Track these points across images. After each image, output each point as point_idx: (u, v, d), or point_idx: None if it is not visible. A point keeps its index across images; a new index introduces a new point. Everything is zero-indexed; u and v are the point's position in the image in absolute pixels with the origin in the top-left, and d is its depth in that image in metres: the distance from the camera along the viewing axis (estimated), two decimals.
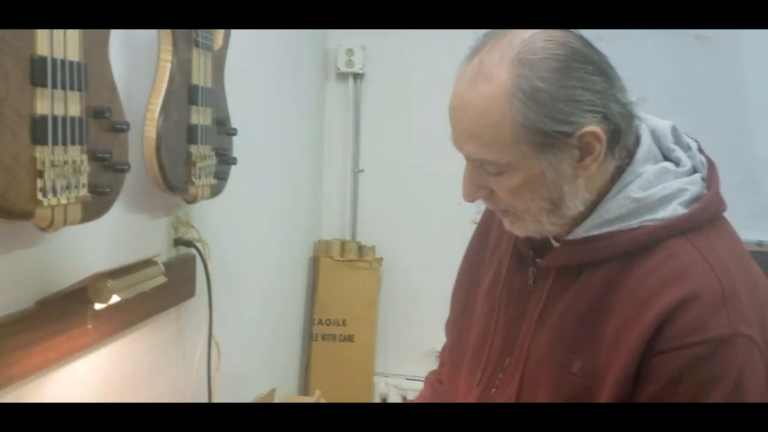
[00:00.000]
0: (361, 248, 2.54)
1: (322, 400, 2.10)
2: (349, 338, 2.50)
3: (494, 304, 1.02)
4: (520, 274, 0.98)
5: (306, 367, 2.51)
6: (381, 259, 2.54)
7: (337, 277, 2.50)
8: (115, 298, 1.10)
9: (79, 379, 1.21)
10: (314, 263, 2.53)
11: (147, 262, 1.20)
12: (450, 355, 1.13)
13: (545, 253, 0.93)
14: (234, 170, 1.51)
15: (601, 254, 0.86)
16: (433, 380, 1.28)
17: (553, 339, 0.90)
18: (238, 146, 1.51)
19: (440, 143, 2.49)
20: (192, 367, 1.56)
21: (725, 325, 0.79)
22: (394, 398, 2.55)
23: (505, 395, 0.96)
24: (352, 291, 2.50)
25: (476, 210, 2.49)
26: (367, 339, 2.51)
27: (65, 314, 1.10)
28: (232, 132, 1.47)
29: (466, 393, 1.03)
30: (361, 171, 2.59)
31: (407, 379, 2.55)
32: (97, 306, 1.12)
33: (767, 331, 0.84)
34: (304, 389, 2.47)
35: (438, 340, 1.33)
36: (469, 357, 1.06)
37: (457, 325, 1.13)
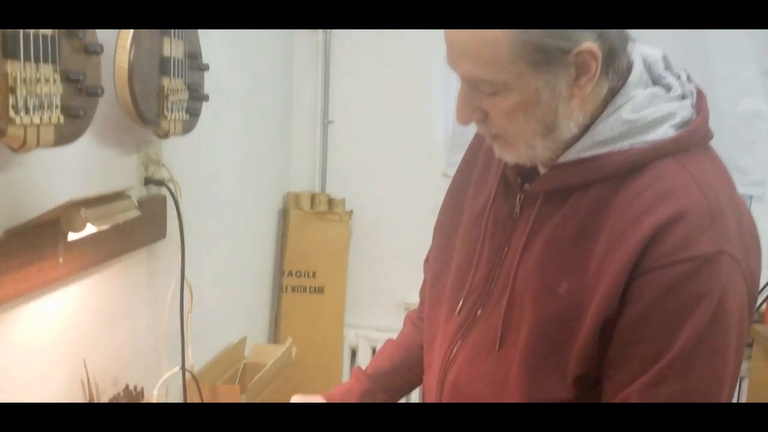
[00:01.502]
0: (331, 201, 2.52)
1: (293, 349, 2.10)
2: (319, 290, 2.49)
3: (479, 234, 1.02)
4: (507, 202, 0.98)
5: (276, 318, 2.50)
6: (351, 212, 2.53)
7: (307, 230, 2.48)
8: (89, 228, 1.07)
9: (51, 313, 1.18)
10: (284, 215, 2.51)
11: (119, 195, 1.17)
12: (430, 290, 1.13)
13: (533, 180, 0.93)
14: (204, 114, 1.47)
15: (592, 176, 0.86)
16: (414, 318, 1.28)
17: (539, 263, 0.90)
18: (207, 88, 1.47)
19: (411, 94, 2.50)
20: (164, 308, 1.53)
21: (711, 242, 0.80)
22: (363, 349, 2.56)
23: (490, 321, 0.96)
24: (321, 243, 2.49)
25: (447, 163, 2.49)
26: (337, 291, 2.51)
27: (36, 245, 1.06)
28: (204, 67, 1.43)
29: (446, 323, 1.03)
30: (331, 122, 2.55)
31: (377, 330, 2.55)
32: (71, 236, 1.08)
33: (750, 258, 0.85)
34: (275, 339, 2.46)
35: (408, 292, 1.34)
36: (450, 288, 1.05)
37: (438, 259, 1.13)
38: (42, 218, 1.03)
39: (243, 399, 1.73)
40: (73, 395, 1.25)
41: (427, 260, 1.21)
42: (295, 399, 1.14)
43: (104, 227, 1.11)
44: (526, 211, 0.94)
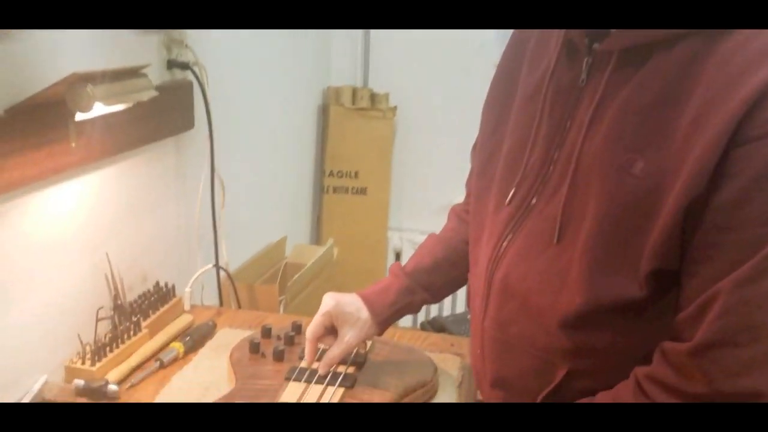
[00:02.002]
0: (373, 96, 2.37)
1: (335, 250, 2.02)
2: (362, 191, 2.39)
3: (535, 110, 0.87)
4: (571, 68, 0.83)
5: (318, 220, 2.42)
6: (395, 107, 2.38)
7: (349, 127, 2.35)
8: (99, 108, 0.96)
9: (68, 203, 1.10)
10: (323, 112, 2.38)
11: (133, 72, 1.05)
12: (477, 179, 1.00)
13: (605, 39, 0.77)
14: None
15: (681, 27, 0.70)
16: (459, 211, 1.16)
17: (609, 138, 0.76)
18: None
19: None
20: (195, 203, 1.45)
21: None
22: (407, 252, 2.47)
23: (546, 211, 0.83)
24: (364, 142, 2.36)
25: (498, 53, 2.29)
26: (381, 192, 2.40)
27: (42, 126, 0.97)
28: None
29: (495, 215, 0.91)
30: None
31: (422, 233, 2.44)
32: (80, 117, 0.98)
33: None
34: (317, 241, 2.39)
35: (456, 193, 1.22)
36: (500, 175, 0.92)
37: (486, 145, 0.99)
38: (45, 94, 0.92)
39: (282, 299, 1.66)
40: (97, 291, 1.18)
41: (474, 147, 1.07)
42: (328, 297, 1.04)
43: (116, 107, 1.01)
44: (594, 78, 0.79)
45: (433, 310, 2.46)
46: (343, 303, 1.04)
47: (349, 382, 1.01)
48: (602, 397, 0.78)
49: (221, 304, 1.54)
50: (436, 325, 2.01)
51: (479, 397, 1.06)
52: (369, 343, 1.14)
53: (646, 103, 0.73)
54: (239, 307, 1.54)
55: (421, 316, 2.44)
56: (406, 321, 2.38)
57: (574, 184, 0.79)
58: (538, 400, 0.85)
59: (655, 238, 0.72)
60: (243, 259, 1.76)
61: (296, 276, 1.71)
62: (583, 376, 0.82)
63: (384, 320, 1.05)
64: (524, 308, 0.84)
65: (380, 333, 1.07)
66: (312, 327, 1.03)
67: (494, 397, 0.93)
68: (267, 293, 1.61)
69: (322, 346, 1.07)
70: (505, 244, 0.88)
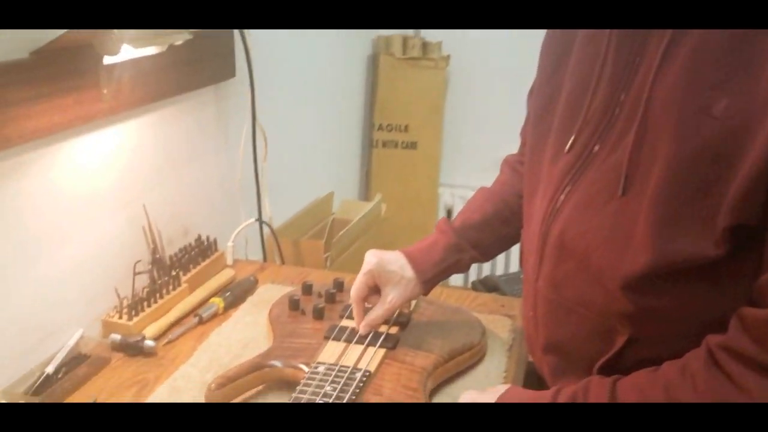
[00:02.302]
0: (425, 44, 2.27)
1: (383, 206, 1.96)
2: (412, 145, 2.31)
3: (599, 49, 0.78)
4: None
5: (367, 175, 2.35)
6: (448, 57, 2.27)
7: (399, 78, 2.26)
8: (128, 52, 0.91)
9: (102, 152, 1.06)
10: (373, 62, 2.29)
11: None
12: (534, 127, 0.91)
13: None
14: None
15: None
16: (513, 162, 1.08)
17: (685, 76, 0.67)
18: None
19: None
20: (237, 155, 1.40)
21: None
22: (459, 210, 2.39)
23: (611, 159, 0.74)
24: (415, 93, 2.27)
25: None
26: (432, 146, 2.32)
27: (70, 71, 0.92)
28: None
29: (552, 164, 0.83)
30: None
31: (473, 190, 2.36)
32: (107, 60, 0.93)
33: None
34: (366, 197, 2.33)
35: (511, 148, 1.13)
36: (559, 121, 0.84)
37: (544, 88, 0.90)
38: (72, 36, 0.87)
39: (327, 255, 1.62)
40: (135, 245, 1.15)
41: (531, 93, 0.98)
42: (370, 255, 0.98)
43: (147, 51, 0.95)
44: None
45: (486, 268, 2.39)
46: (386, 261, 0.98)
47: (390, 343, 0.95)
48: (668, 369, 0.70)
49: (265, 259, 1.50)
50: (488, 285, 1.94)
51: (530, 361, 1.00)
52: (413, 302, 1.08)
53: (727, 37, 0.64)
54: (282, 263, 1.50)
55: (473, 275, 2.37)
56: (456, 280, 2.32)
57: (643, 129, 0.70)
58: (596, 368, 0.77)
59: (736, 189, 0.63)
60: (288, 214, 1.71)
61: (342, 232, 1.66)
62: (646, 344, 0.74)
63: (429, 279, 0.99)
64: (582, 267, 0.76)
65: (426, 293, 1.00)
66: (355, 288, 0.98)
67: (546, 362, 0.86)
68: (312, 249, 1.56)
69: (367, 305, 1.02)
70: (562, 196, 0.80)
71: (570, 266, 0.78)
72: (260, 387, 0.94)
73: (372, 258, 0.98)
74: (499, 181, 1.07)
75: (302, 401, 0.81)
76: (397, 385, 0.87)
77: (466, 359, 0.97)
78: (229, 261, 1.34)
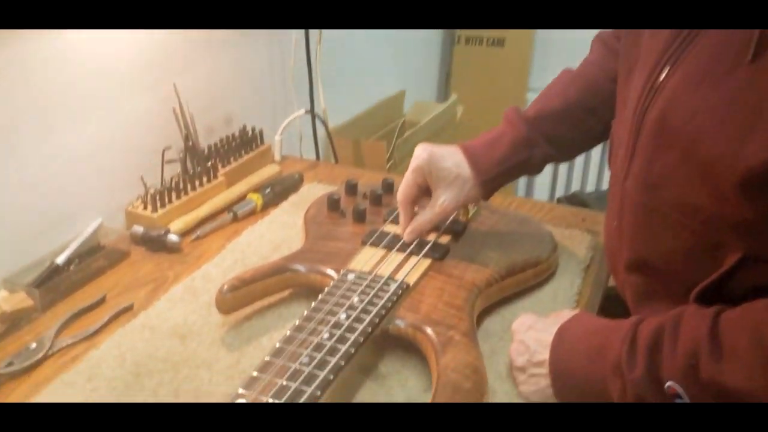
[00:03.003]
0: None
1: (460, 108, 1.76)
2: (499, 42, 2.07)
3: None
4: None
5: (446, 75, 2.15)
6: None
7: None
8: None
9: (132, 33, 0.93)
10: None
11: None
12: None
13: None
14: None
15: None
16: (607, 37, 0.86)
17: None
18: None
19: None
20: (290, 36, 1.25)
21: None
22: None
23: None
24: None
25: None
26: (522, 45, 2.07)
27: None
28: None
29: (653, 34, 0.63)
30: None
31: None
32: None
33: None
34: (444, 98, 2.14)
35: None
36: None
37: None
38: None
39: (390, 162, 1.46)
40: (167, 130, 1.03)
41: None
42: (420, 149, 0.82)
43: None
44: None
45: (575, 183, 2.17)
46: (439, 156, 0.81)
47: (438, 254, 0.80)
48: None
49: (318, 158, 1.36)
50: (575, 202, 1.73)
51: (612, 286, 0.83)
52: (472, 209, 0.91)
53: None
54: (336, 161, 1.35)
55: (560, 190, 2.17)
56: (541, 194, 2.12)
57: None
58: (693, 295, 0.59)
59: None
60: (351, 112, 1.56)
61: (408, 133, 1.49)
62: (765, 266, 0.55)
63: (490, 180, 0.81)
64: (687, 160, 0.57)
65: (486, 196, 0.84)
66: (403, 188, 0.82)
67: (630, 284, 0.69)
68: (374, 151, 1.41)
69: (417, 209, 0.86)
70: (666, 70, 0.60)
71: (670, 159, 0.59)
72: (284, 294, 0.81)
73: (422, 152, 0.81)
74: (588, 61, 0.87)
75: (320, 312, 0.68)
76: (438, 302, 0.72)
77: (528, 277, 0.81)
78: (277, 156, 1.21)
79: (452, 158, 0.81)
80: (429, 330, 0.67)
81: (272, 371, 0.60)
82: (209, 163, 1.05)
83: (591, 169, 2.19)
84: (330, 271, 0.77)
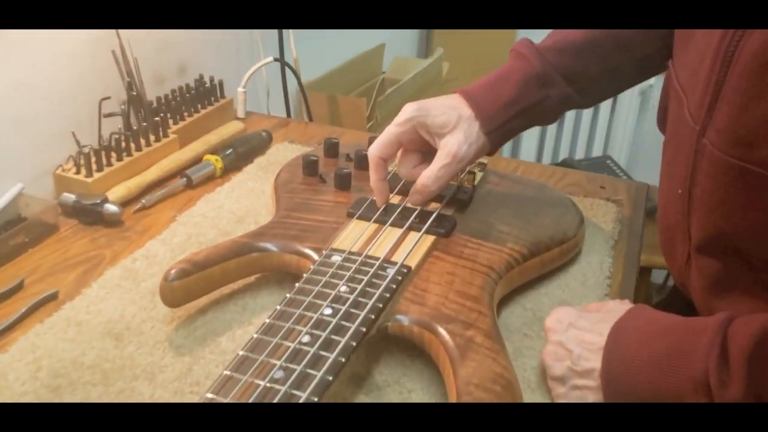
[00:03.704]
0: None
1: (446, 65, 1.59)
2: None
3: None
4: None
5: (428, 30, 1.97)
6: None
7: None
8: None
9: None
10: None
11: None
12: None
13: None
14: None
15: None
16: None
17: None
18: None
19: None
20: None
21: None
22: None
23: None
24: None
25: None
26: None
27: None
28: None
29: None
30: None
31: None
32: None
33: None
34: (425, 53, 1.96)
35: None
36: None
37: None
38: None
39: (371, 123, 1.29)
40: (106, 77, 0.85)
41: None
42: (408, 105, 0.65)
43: None
44: None
45: (563, 149, 2.03)
46: (432, 106, 0.64)
47: (443, 229, 0.64)
48: None
49: (288, 114, 1.19)
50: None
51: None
52: (478, 173, 0.76)
53: None
54: (311, 119, 1.18)
55: (546, 157, 2.03)
56: (527, 155, 1.98)
57: None
58: None
59: None
60: (325, 66, 1.38)
61: (389, 91, 1.32)
62: None
63: (498, 128, 0.64)
64: None
65: (493, 150, 0.67)
66: (381, 142, 0.65)
67: (702, 267, 0.54)
68: (352, 108, 1.24)
69: (392, 168, 0.70)
70: None
71: None
72: (249, 280, 0.65)
73: (412, 105, 0.65)
74: None
75: (301, 306, 0.52)
76: (449, 291, 0.56)
77: (554, 258, 0.66)
78: (240, 113, 1.04)
79: (450, 104, 0.64)
80: (441, 330, 0.51)
81: (233, 393, 0.44)
82: (157, 118, 0.87)
83: (581, 134, 2.05)
84: (309, 251, 0.61)
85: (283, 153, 0.91)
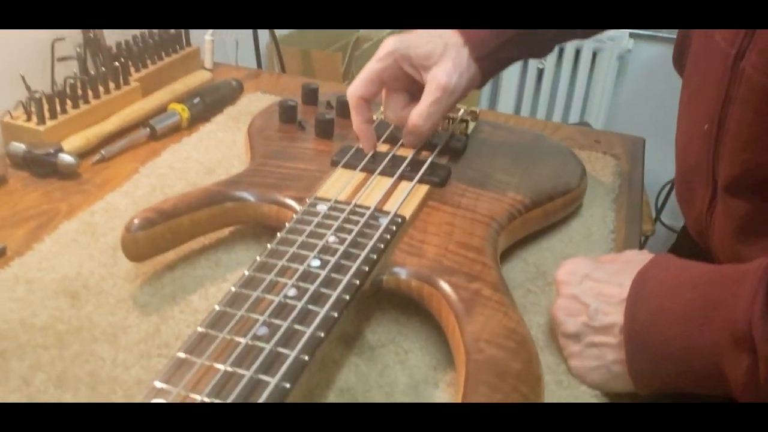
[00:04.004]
0: None
1: None
2: None
3: None
4: None
5: None
6: None
7: None
8: None
9: None
10: None
11: None
12: None
13: None
14: None
15: None
16: None
17: None
18: None
19: None
20: None
21: None
22: None
23: None
24: None
25: None
26: None
27: None
28: None
29: None
30: None
31: None
32: None
33: None
34: None
35: None
36: None
37: None
38: None
39: (346, 71, 1.22)
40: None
41: None
42: (389, 39, 0.59)
43: None
44: None
45: (539, 115, 1.99)
46: (416, 36, 0.57)
47: (438, 177, 0.58)
48: None
49: (259, 65, 1.11)
50: None
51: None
52: (470, 123, 0.70)
53: None
54: (283, 71, 1.11)
55: (524, 111, 1.98)
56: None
57: None
58: None
59: None
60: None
61: (366, 45, 1.25)
62: None
63: (490, 54, 0.58)
64: None
65: (483, 81, 0.61)
66: (361, 80, 0.59)
67: (731, 210, 0.49)
68: (327, 62, 1.17)
69: (379, 115, 0.64)
70: None
71: None
72: (223, 233, 0.58)
73: (391, 39, 0.58)
74: None
75: (285, 257, 0.46)
76: (450, 242, 0.50)
77: (557, 209, 0.61)
78: (207, 63, 0.96)
79: (434, 33, 0.58)
80: (443, 283, 0.46)
81: (209, 351, 0.38)
82: (117, 63, 0.79)
83: (558, 100, 2.01)
84: (290, 201, 0.55)
85: (255, 103, 0.84)
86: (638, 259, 0.47)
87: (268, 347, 0.38)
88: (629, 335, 0.43)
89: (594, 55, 1.95)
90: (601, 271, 0.47)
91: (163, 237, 0.51)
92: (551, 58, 1.99)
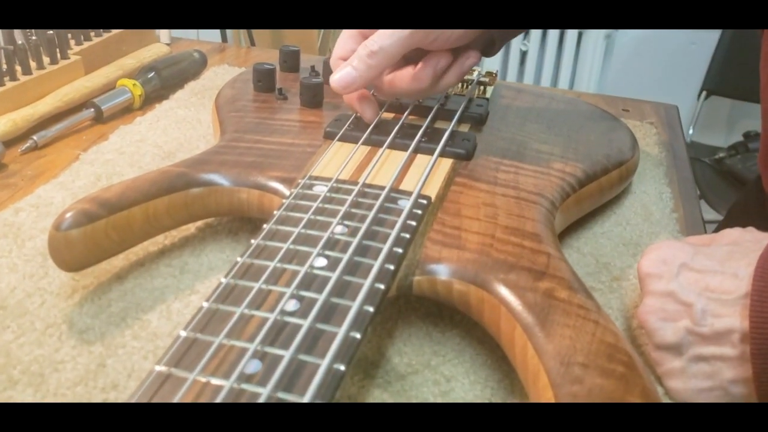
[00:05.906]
0: None
1: None
2: None
3: None
4: None
5: None
6: None
7: None
8: None
9: None
10: None
11: None
12: None
13: None
14: None
15: None
16: None
17: None
18: None
19: None
20: None
21: None
22: None
23: None
24: None
25: None
26: None
27: None
28: None
29: None
30: None
31: None
32: None
33: None
34: None
35: None
36: None
37: None
38: None
39: (321, 46, 1.09)
40: None
41: None
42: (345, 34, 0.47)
43: None
44: None
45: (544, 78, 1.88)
46: None
47: (464, 148, 0.45)
48: None
49: (224, 39, 0.97)
50: None
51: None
52: (488, 87, 0.58)
53: None
54: (252, 44, 0.97)
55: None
56: None
57: None
58: None
59: None
60: None
61: None
62: None
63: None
64: None
65: (494, 49, 0.49)
66: (342, 38, 0.48)
67: None
68: (301, 38, 1.03)
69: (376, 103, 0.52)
70: None
71: None
72: (188, 229, 0.45)
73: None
74: None
75: (277, 256, 0.33)
76: (495, 229, 0.38)
77: (613, 183, 0.48)
78: (164, 37, 0.82)
79: None
80: (498, 284, 0.33)
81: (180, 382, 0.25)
82: (52, 32, 0.65)
83: (564, 62, 1.90)
84: (276, 184, 0.42)
85: (222, 77, 0.71)
86: (747, 238, 0.35)
87: (265, 392, 0.25)
88: (758, 344, 0.31)
89: (579, 35, 1.85)
90: (703, 258, 0.35)
91: (107, 237, 0.38)
92: (535, 40, 1.88)
